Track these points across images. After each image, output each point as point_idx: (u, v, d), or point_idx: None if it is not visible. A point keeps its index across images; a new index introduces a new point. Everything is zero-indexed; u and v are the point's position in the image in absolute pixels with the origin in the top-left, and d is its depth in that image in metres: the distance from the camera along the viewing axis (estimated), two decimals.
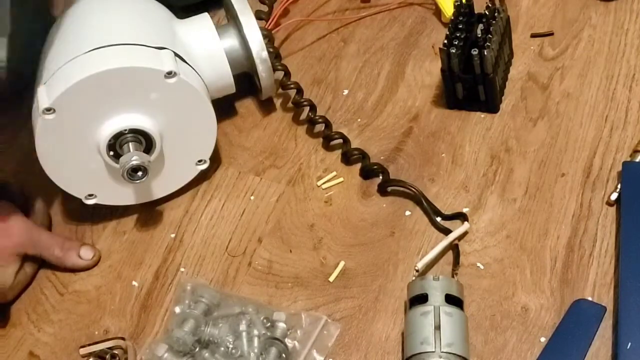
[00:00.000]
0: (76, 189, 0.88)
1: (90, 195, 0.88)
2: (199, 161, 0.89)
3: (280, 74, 0.95)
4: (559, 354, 0.76)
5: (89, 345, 0.82)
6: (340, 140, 0.92)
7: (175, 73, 0.82)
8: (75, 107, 0.81)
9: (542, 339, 0.77)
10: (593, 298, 0.79)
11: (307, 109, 0.94)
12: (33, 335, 0.84)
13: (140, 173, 0.83)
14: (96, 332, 0.83)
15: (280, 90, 0.96)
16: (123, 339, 0.82)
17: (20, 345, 0.84)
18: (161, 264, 0.87)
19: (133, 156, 0.83)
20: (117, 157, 0.85)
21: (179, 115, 0.85)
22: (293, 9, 1.06)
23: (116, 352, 0.81)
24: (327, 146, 0.93)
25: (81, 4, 0.89)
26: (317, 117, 0.93)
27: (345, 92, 0.98)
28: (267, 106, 0.98)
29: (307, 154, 0.93)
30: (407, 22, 1.03)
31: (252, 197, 0.91)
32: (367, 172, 0.90)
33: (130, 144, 0.84)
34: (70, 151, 0.85)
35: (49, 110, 0.81)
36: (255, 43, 0.90)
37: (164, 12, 0.91)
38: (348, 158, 0.91)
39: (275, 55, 0.95)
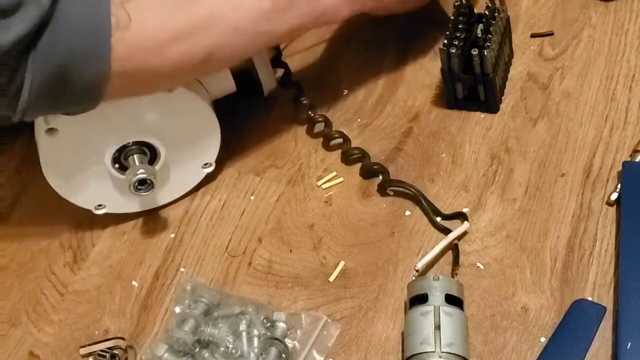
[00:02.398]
0: (85, 201, 0.88)
1: (100, 205, 0.88)
2: (205, 164, 0.90)
3: (280, 72, 0.95)
4: (559, 354, 0.76)
5: (89, 345, 0.82)
6: (341, 140, 0.92)
7: None
8: (78, 124, 0.81)
9: (542, 339, 0.77)
10: (593, 298, 0.79)
11: (307, 108, 0.94)
12: (33, 335, 0.84)
13: (146, 185, 0.84)
14: (96, 332, 0.83)
15: (280, 89, 0.96)
16: (123, 339, 0.82)
17: (20, 345, 0.84)
18: (161, 264, 0.87)
19: (139, 169, 0.83)
20: (122, 168, 0.85)
21: (181, 123, 0.85)
22: None
23: (116, 352, 0.81)
24: (327, 145, 0.93)
25: None
26: (317, 116, 0.93)
27: (345, 92, 0.98)
28: (267, 106, 0.98)
29: (307, 154, 0.93)
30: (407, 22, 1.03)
31: (252, 197, 0.91)
32: (368, 172, 0.90)
33: (135, 156, 0.84)
34: (75, 167, 0.85)
35: (51, 130, 0.81)
36: None
37: None
38: (348, 157, 0.91)
39: (276, 54, 0.95)
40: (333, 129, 0.93)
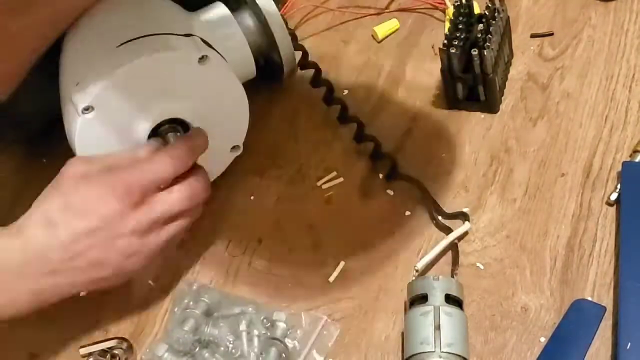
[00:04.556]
0: None
1: None
2: (233, 147, 0.89)
3: (298, 55, 0.95)
4: (559, 354, 0.76)
5: (89, 345, 0.82)
6: (354, 124, 0.92)
7: (207, 57, 0.82)
8: (114, 102, 0.80)
9: (542, 339, 0.77)
10: (593, 298, 0.79)
11: (327, 89, 0.94)
12: (33, 335, 0.84)
13: None
14: (96, 332, 0.83)
15: (299, 70, 0.96)
16: (123, 339, 0.82)
17: (20, 345, 0.84)
18: (162, 264, 0.87)
19: None
20: None
21: (213, 100, 0.84)
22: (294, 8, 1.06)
23: (116, 352, 0.81)
24: (343, 121, 0.93)
25: (94, 9, 0.88)
26: (334, 98, 0.94)
27: (345, 92, 0.98)
28: (267, 105, 0.98)
29: (307, 154, 0.93)
30: (407, 22, 1.03)
31: (252, 197, 0.91)
32: (376, 155, 0.90)
33: (169, 135, 0.83)
34: (110, 150, 0.84)
35: (87, 109, 0.80)
36: (274, 18, 0.91)
37: (176, 5, 0.91)
38: (361, 138, 0.92)
39: (292, 37, 0.95)
40: (349, 113, 0.93)
